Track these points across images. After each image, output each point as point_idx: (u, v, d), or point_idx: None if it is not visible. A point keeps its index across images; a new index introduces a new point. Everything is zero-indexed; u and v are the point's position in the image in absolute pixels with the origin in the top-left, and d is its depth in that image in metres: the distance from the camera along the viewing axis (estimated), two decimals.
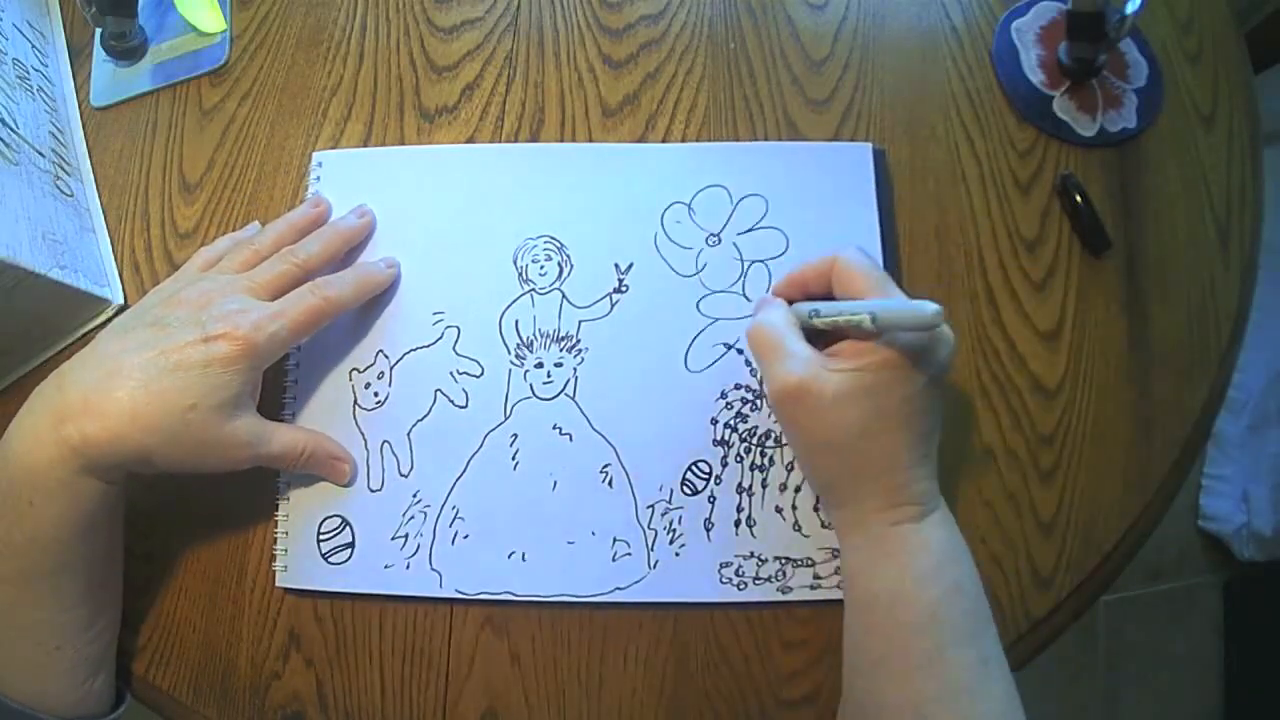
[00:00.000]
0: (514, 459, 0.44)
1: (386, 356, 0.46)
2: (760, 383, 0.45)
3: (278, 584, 0.44)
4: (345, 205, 0.47)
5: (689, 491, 0.43)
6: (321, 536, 0.44)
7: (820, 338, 0.40)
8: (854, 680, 0.38)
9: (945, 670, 0.35)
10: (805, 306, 0.40)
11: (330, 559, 0.43)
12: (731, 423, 0.44)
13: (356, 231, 0.46)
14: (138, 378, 0.36)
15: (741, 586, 0.42)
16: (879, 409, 0.36)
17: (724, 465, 0.44)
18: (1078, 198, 0.47)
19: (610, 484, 0.44)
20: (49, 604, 0.38)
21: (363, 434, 0.45)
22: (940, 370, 0.37)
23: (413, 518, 0.43)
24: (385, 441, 0.44)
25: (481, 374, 0.45)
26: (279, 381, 0.46)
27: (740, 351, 0.45)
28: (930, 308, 0.32)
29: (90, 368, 0.37)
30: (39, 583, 0.37)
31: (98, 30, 0.53)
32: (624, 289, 0.46)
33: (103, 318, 0.48)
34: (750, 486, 0.43)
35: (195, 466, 0.38)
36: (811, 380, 0.37)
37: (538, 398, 0.45)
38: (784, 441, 0.44)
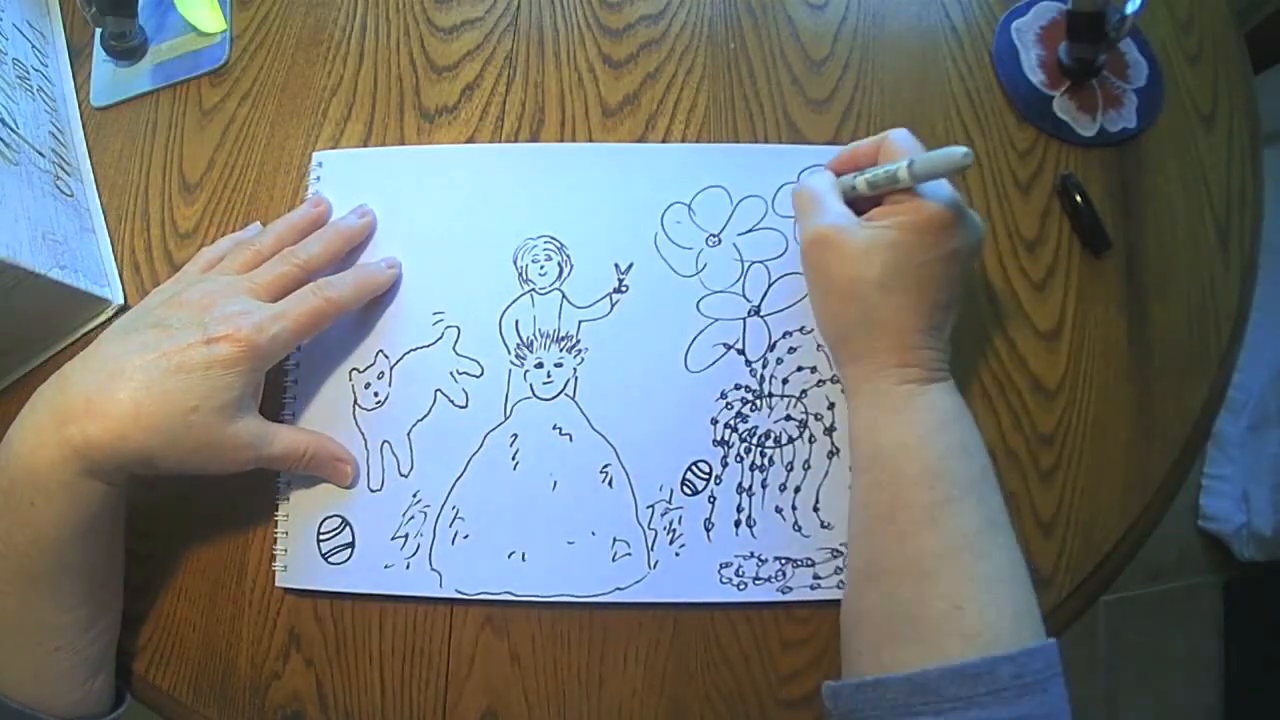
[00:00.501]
0: (514, 459, 0.44)
1: (386, 356, 0.46)
2: (760, 382, 0.45)
3: (278, 584, 0.44)
4: (345, 205, 0.47)
5: (689, 491, 0.44)
6: (321, 536, 0.44)
7: (864, 206, 0.41)
8: (858, 546, 0.40)
9: (948, 525, 0.36)
10: (849, 177, 0.42)
11: (330, 559, 0.43)
12: (731, 423, 0.44)
13: (357, 231, 0.46)
14: (140, 379, 0.36)
15: (741, 587, 0.42)
16: (899, 265, 0.38)
17: (724, 465, 0.44)
18: (1078, 198, 0.47)
19: (610, 484, 0.44)
20: (49, 605, 0.38)
21: (363, 434, 0.45)
22: (964, 245, 0.39)
23: (413, 518, 0.43)
24: (385, 441, 0.44)
25: (481, 374, 0.45)
26: (279, 381, 0.46)
27: (740, 352, 0.45)
28: (960, 150, 0.35)
29: (93, 369, 0.37)
30: (39, 584, 0.37)
31: (98, 30, 0.53)
32: (624, 289, 0.46)
33: (103, 318, 0.48)
34: (750, 486, 0.43)
35: (197, 468, 0.38)
36: (842, 229, 0.39)
37: (538, 398, 0.45)
38: (783, 442, 0.44)
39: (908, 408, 0.38)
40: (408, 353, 0.46)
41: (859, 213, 0.41)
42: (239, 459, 0.39)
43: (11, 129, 0.45)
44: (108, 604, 0.41)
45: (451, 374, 0.45)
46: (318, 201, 0.47)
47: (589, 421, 0.44)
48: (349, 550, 0.43)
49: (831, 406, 0.44)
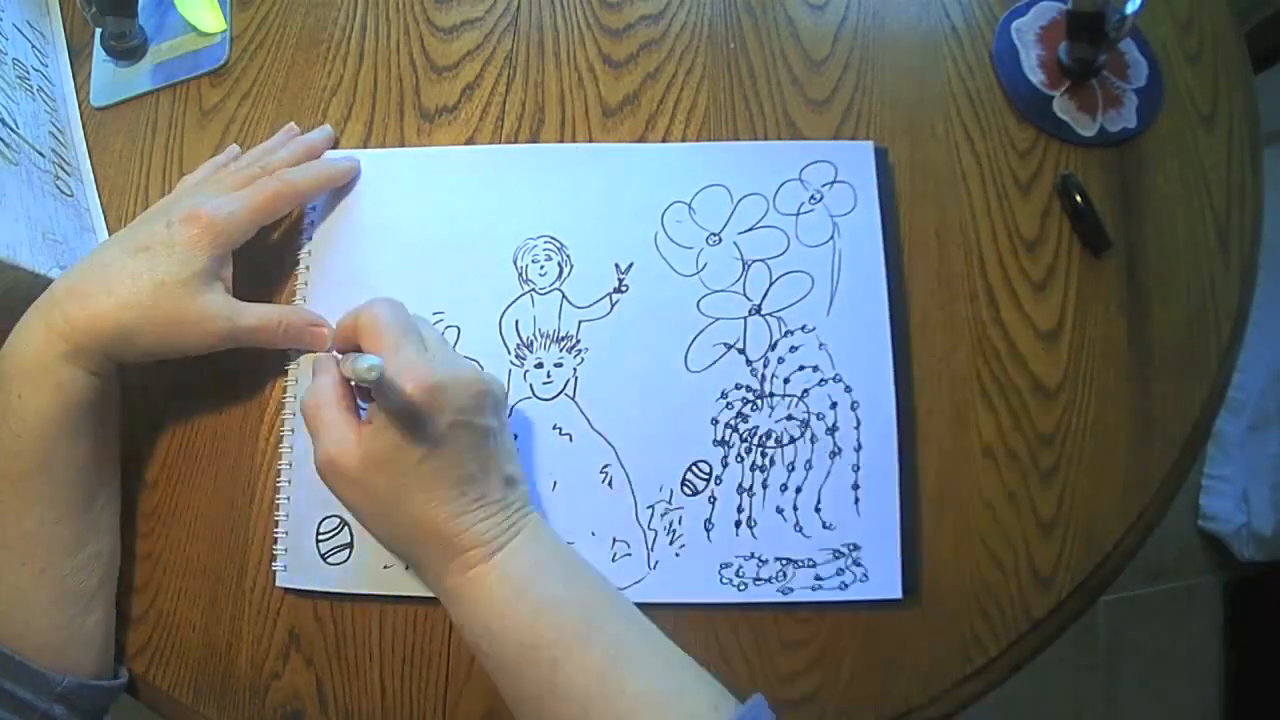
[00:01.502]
0: None
1: None
2: (761, 381, 0.45)
3: (278, 584, 0.44)
4: (346, 205, 0.48)
5: (689, 492, 0.43)
6: (320, 537, 0.44)
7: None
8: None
9: (568, 687, 0.35)
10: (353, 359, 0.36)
11: (329, 559, 0.43)
12: (732, 423, 0.44)
13: (321, 144, 0.48)
14: (114, 264, 0.39)
15: (742, 587, 0.42)
16: (399, 471, 0.36)
17: (724, 465, 0.44)
18: (1078, 198, 0.47)
19: (610, 484, 0.44)
20: (34, 513, 0.38)
21: None
22: (460, 411, 0.36)
23: None
24: None
25: None
26: (280, 381, 0.46)
27: (741, 351, 0.45)
28: (365, 363, 0.32)
29: (74, 267, 0.41)
30: (23, 485, 0.38)
31: (98, 30, 0.53)
32: (624, 289, 0.46)
33: None
34: (751, 487, 0.43)
35: (175, 344, 0.40)
36: (339, 452, 0.36)
37: (537, 398, 0.45)
38: (784, 442, 0.44)
39: (479, 592, 0.36)
40: None
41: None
42: (213, 330, 0.41)
43: (11, 129, 0.45)
44: (96, 531, 0.41)
45: None
46: (291, 129, 0.50)
47: (589, 421, 0.44)
48: (348, 551, 0.43)
49: (834, 406, 0.44)
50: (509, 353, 0.45)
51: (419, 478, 0.36)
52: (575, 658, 0.35)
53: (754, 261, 0.46)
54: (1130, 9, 0.44)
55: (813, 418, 0.44)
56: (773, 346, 0.45)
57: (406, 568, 0.43)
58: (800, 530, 0.43)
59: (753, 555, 0.43)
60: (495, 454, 0.38)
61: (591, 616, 0.37)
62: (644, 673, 0.36)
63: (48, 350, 0.38)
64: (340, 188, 0.48)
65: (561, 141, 0.50)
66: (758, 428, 0.44)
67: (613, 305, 0.46)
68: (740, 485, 0.43)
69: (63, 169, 0.49)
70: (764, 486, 0.43)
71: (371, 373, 0.32)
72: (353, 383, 0.38)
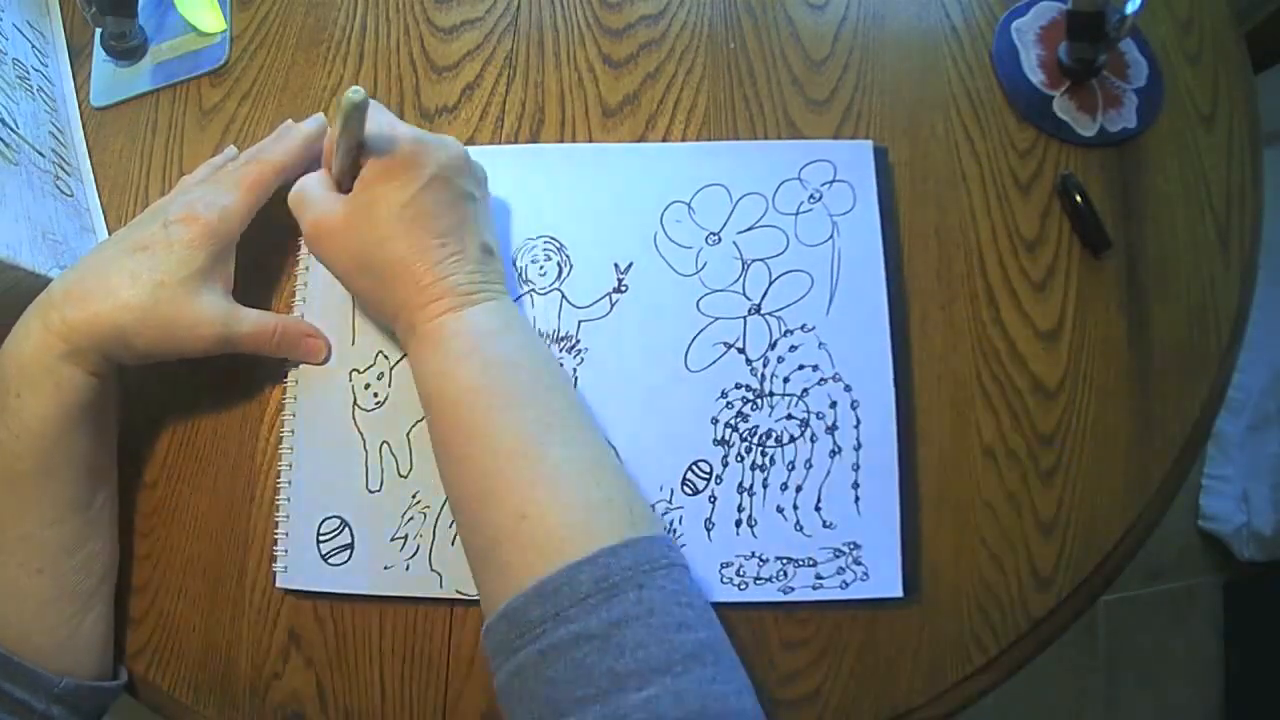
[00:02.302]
0: None
1: (386, 357, 0.45)
2: (761, 381, 0.45)
3: (278, 585, 0.44)
4: None
5: (689, 491, 0.43)
6: (321, 537, 0.44)
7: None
8: (443, 484, 0.39)
9: (495, 438, 0.36)
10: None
11: (330, 560, 0.43)
12: (732, 422, 0.44)
13: (315, 133, 0.46)
14: (111, 265, 0.39)
15: (742, 586, 0.42)
16: (382, 218, 0.39)
17: (724, 465, 0.44)
18: (1078, 198, 0.47)
19: None
20: (32, 513, 0.38)
21: (362, 434, 0.45)
22: (440, 168, 0.39)
23: (412, 518, 0.43)
24: (384, 442, 0.44)
25: None
26: (279, 381, 0.46)
27: (741, 350, 0.45)
28: (348, 93, 0.35)
29: (72, 268, 0.41)
30: (21, 485, 0.38)
31: (98, 30, 0.53)
32: (624, 289, 0.46)
33: None
34: (751, 486, 0.43)
35: (171, 346, 0.40)
36: (324, 214, 0.40)
37: None
38: (784, 441, 0.44)
39: (441, 338, 0.38)
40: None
41: None
42: (208, 335, 0.41)
43: (11, 129, 0.45)
44: (94, 530, 0.41)
45: None
46: (288, 126, 0.48)
47: None
48: (348, 551, 0.43)
49: (834, 405, 0.44)
50: None
51: (401, 223, 0.38)
52: (511, 412, 0.37)
53: (753, 261, 0.46)
54: (1130, 9, 0.44)
55: (812, 417, 0.44)
56: (772, 346, 0.45)
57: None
58: (800, 529, 0.43)
59: (753, 554, 0.43)
60: (473, 216, 0.41)
61: (541, 384, 0.39)
62: (570, 448, 0.37)
63: (46, 351, 0.38)
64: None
65: (561, 141, 0.50)
66: (758, 427, 0.44)
67: (612, 305, 0.46)
68: (740, 484, 0.43)
69: (63, 169, 0.49)
70: (764, 486, 0.43)
71: (356, 95, 0.35)
72: (343, 146, 0.39)
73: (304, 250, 0.48)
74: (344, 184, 0.41)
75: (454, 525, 0.43)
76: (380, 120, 0.39)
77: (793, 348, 0.45)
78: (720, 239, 0.47)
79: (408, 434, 0.44)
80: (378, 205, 0.39)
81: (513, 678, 0.32)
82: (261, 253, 0.47)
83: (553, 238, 0.47)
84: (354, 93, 0.35)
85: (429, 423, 0.40)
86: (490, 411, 0.37)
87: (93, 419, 0.40)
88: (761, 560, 0.43)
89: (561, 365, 0.44)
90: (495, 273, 0.41)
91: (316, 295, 0.47)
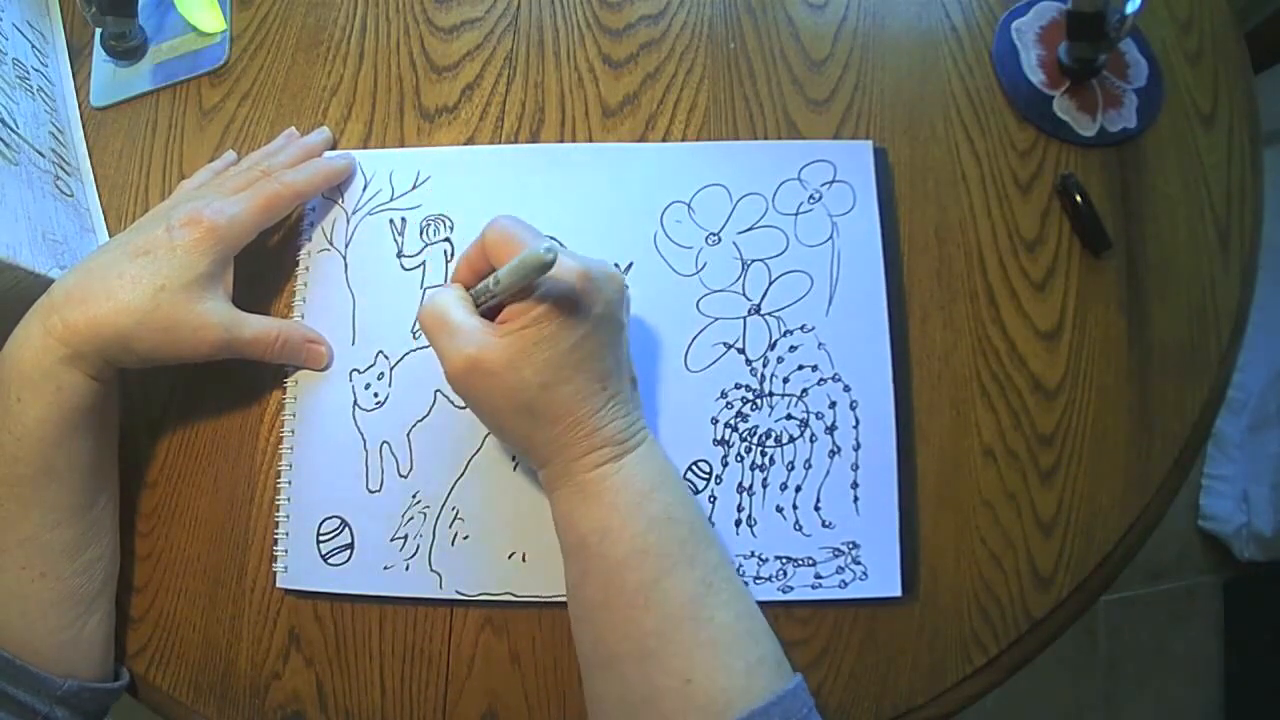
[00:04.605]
0: (513, 459, 0.44)
1: (386, 357, 0.46)
2: (761, 381, 0.45)
3: (278, 585, 0.44)
4: (345, 206, 0.48)
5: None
6: (321, 537, 0.44)
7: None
8: (581, 634, 0.38)
9: (663, 600, 0.35)
10: (480, 286, 0.39)
11: (330, 560, 0.43)
12: (732, 422, 0.44)
13: (319, 145, 0.48)
14: (113, 269, 0.39)
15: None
16: (549, 361, 0.36)
17: (724, 465, 0.44)
18: (1078, 198, 0.47)
19: None
20: (34, 517, 0.38)
21: (362, 434, 0.45)
22: (606, 305, 0.37)
23: (412, 519, 0.43)
24: (385, 442, 0.44)
25: None
26: (279, 381, 0.46)
27: (741, 351, 0.45)
28: (540, 248, 0.33)
29: (72, 271, 0.40)
30: (22, 490, 0.38)
31: (98, 30, 0.53)
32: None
33: None
34: (751, 486, 0.43)
35: (172, 350, 0.40)
36: (481, 349, 0.36)
37: None
38: (784, 441, 0.44)
39: (605, 490, 0.37)
40: (408, 353, 0.45)
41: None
42: (210, 339, 0.40)
43: (11, 129, 0.45)
44: (95, 533, 0.41)
45: None
46: (290, 133, 0.49)
47: None
48: (348, 551, 0.43)
49: (833, 405, 0.44)
50: None
51: (568, 368, 0.36)
52: (678, 573, 0.36)
53: (753, 261, 0.46)
54: (1130, 9, 0.44)
55: (812, 417, 0.44)
56: (772, 346, 0.45)
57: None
58: (800, 529, 0.43)
59: (753, 554, 0.43)
60: (627, 352, 0.40)
61: (698, 540, 0.38)
62: (731, 609, 0.37)
63: (46, 355, 0.37)
64: (340, 186, 0.48)
65: (561, 141, 0.50)
66: (757, 427, 0.44)
67: None
68: (740, 484, 0.43)
69: (63, 169, 0.49)
70: (764, 485, 0.43)
71: (549, 255, 0.33)
72: (508, 286, 0.36)
73: (304, 251, 0.48)
74: (487, 310, 0.39)
75: (454, 525, 0.43)
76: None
77: (792, 348, 0.45)
78: (720, 239, 0.47)
79: (408, 434, 0.44)
80: (545, 346, 0.36)
81: None
82: (260, 253, 0.47)
83: (552, 238, 0.47)
84: (546, 252, 0.33)
85: (575, 573, 0.38)
86: (657, 578, 0.36)
87: (94, 422, 0.40)
88: (761, 560, 0.43)
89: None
90: (640, 407, 0.40)
91: (316, 296, 0.47)
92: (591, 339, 0.37)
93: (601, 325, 0.37)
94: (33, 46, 0.51)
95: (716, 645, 0.35)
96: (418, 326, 0.46)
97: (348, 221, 0.48)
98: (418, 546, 0.43)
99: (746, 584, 0.42)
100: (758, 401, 0.44)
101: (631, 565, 0.36)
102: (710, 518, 0.43)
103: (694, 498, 0.40)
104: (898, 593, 0.42)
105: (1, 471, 0.38)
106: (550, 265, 0.33)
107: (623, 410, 0.38)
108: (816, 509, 0.43)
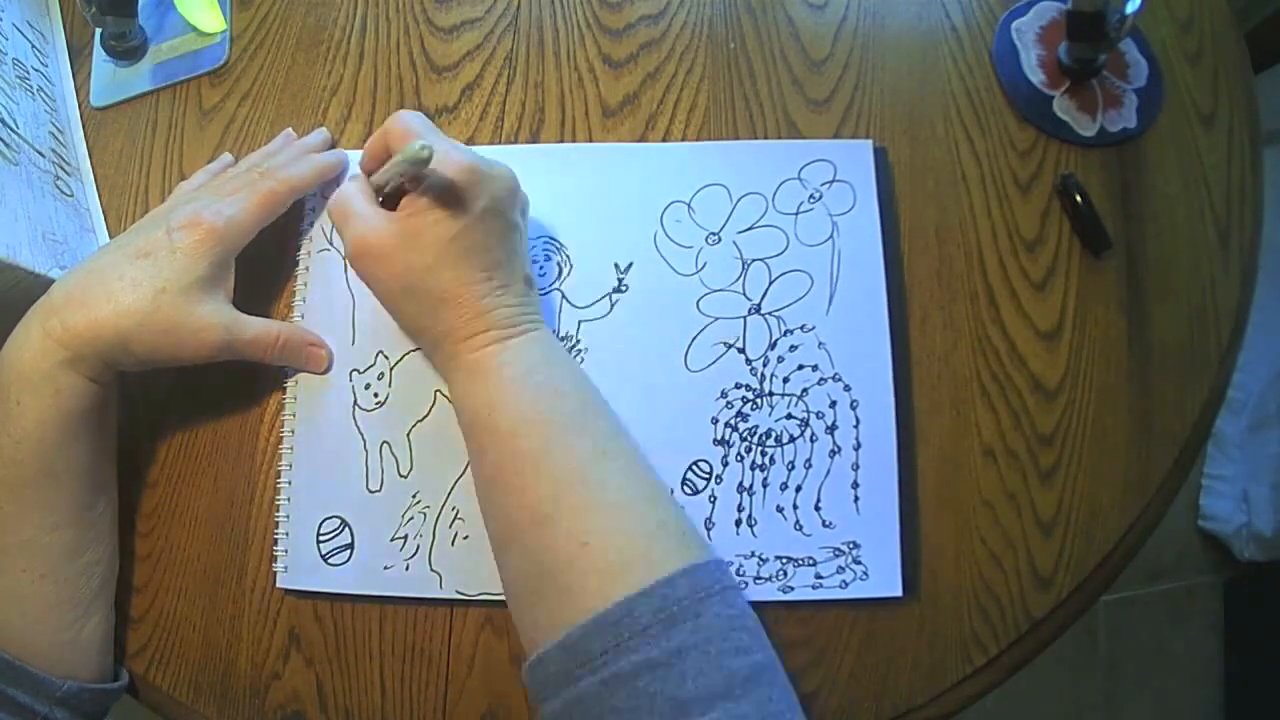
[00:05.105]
0: None
1: (386, 357, 0.46)
2: (761, 380, 0.45)
3: (278, 585, 0.44)
4: None
5: (689, 491, 0.43)
6: (321, 538, 0.44)
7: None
8: (488, 518, 0.39)
9: (554, 466, 0.36)
10: (377, 175, 0.41)
11: (330, 560, 0.43)
12: (732, 422, 0.44)
13: (317, 145, 0.49)
14: (112, 271, 0.39)
15: (742, 586, 0.42)
16: (431, 246, 0.38)
17: (724, 465, 0.44)
18: (1078, 198, 0.47)
19: None
20: (33, 519, 0.38)
21: (362, 434, 0.45)
22: (493, 200, 0.39)
23: (412, 519, 0.43)
24: (385, 442, 0.44)
25: None
26: (279, 381, 0.46)
27: (741, 350, 0.45)
28: (415, 145, 0.35)
29: (72, 273, 0.40)
30: (23, 493, 0.38)
31: (98, 30, 0.53)
32: (623, 289, 0.46)
33: None
34: (751, 486, 0.43)
35: (172, 352, 0.40)
36: (373, 233, 0.39)
37: None
38: (784, 441, 0.44)
39: (489, 368, 0.38)
40: (408, 353, 0.45)
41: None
42: (210, 341, 0.41)
43: (11, 129, 0.45)
44: (95, 535, 0.41)
45: None
46: (288, 135, 0.50)
47: None
48: (348, 551, 0.43)
49: (833, 405, 0.44)
50: None
51: (451, 254, 0.38)
52: (567, 439, 0.37)
53: (753, 261, 0.46)
54: (1130, 9, 0.44)
55: (812, 416, 0.44)
56: (772, 346, 0.45)
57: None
58: (800, 529, 0.43)
59: (753, 554, 0.43)
60: (519, 248, 0.41)
61: (588, 411, 0.39)
62: (626, 475, 0.37)
63: (46, 358, 0.37)
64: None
65: (561, 141, 0.50)
66: (757, 427, 0.44)
67: (612, 305, 0.46)
68: (740, 484, 0.43)
69: (63, 169, 0.49)
70: (764, 485, 0.43)
71: (424, 151, 0.35)
72: (395, 175, 0.39)
73: (304, 251, 0.48)
74: (387, 199, 0.41)
75: (454, 525, 0.43)
76: (439, 147, 0.38)
77: (792, 347, 0.45)
78: (720, 239, 0.47)
79: (408, 434, 0.44)
80: (428, 233, 0.38)
81: (571, 706, 0.32)
82: (260, 253, 0.47)
83: (553, 238, 0.47)
84: (421, 149, 0.35)
85: (473, 452, 0.40)
86: (547, 440, 0.37)
87: (93, 425, 0.40)
88: (761, 560, 0.43)
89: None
90: (535, 304, 0.42)
91: (316, 296, 0.47)
92: (475, 229, 0.38)
93: (486, 217, 0.39)
94: (33, 46, 0.51)
95: (612, 509, 0.36)
96: None
97: None
98: (418, 546, 0.43)
99: (746, 584, 0.42)
100: (758, 401, 0.44)
101: (520, 434, 0.37)
102: (710, 518, 0.43)
103: (588, 379, 0.41)
104: (898, 593, 0.42)
105: (1, 474, 0.38)
106: (426, 160, 0.36)
107: (511, 299, 0.40)
108: (817, 509, 0.43)
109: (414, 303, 0.40)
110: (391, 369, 0.45)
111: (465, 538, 0.43)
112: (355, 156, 0.49)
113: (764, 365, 0.45)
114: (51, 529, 0.39)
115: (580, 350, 0.45)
